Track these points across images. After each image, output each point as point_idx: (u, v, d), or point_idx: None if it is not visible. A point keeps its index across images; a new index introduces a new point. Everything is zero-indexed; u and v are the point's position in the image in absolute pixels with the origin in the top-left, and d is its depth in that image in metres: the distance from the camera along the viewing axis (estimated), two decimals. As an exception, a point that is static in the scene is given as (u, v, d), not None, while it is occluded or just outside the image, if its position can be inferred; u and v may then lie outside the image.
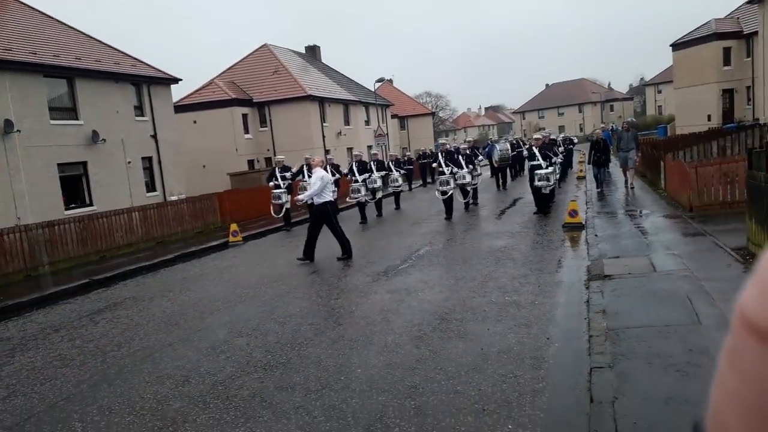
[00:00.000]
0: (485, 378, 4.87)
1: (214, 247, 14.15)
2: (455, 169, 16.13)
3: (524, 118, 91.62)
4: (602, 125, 32.21)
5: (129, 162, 24.53)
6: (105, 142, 22.91)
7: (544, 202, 14.51)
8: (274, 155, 36.06)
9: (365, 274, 9.46)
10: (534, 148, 14.83)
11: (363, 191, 17.54)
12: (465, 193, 17.01)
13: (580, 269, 8.55)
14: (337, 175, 17.13)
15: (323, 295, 8.41)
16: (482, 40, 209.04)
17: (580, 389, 4.49)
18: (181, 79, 28.27)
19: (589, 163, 18.93)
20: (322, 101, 39.02)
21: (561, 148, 20.85)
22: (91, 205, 22.01)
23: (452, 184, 15.78)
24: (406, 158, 29.86)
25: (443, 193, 15.74)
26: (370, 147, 44.24)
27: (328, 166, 16.99)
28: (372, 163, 19.03)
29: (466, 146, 18.95)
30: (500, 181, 23.17)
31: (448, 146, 18.28)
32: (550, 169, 14.35)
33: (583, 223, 12.25)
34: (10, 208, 19.12)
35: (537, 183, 14.12)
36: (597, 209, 14.24)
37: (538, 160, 14.40)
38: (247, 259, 12.46)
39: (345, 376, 5.19)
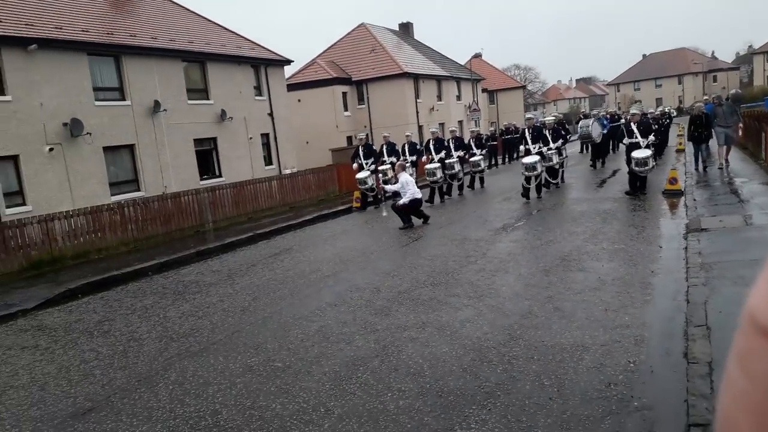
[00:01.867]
0: (605, 293, 6.49)
1: (342, 211, 16.29)
2: (542, 148, 15.24)
3: (619, 91, 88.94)
4: (705, 97, 30.03)
5: (251, 138, 27.24)
6: (232, 119, 25.64)
7: (641, 185, 13.60)
8: (371, 131, 38.20)
9: (486, 230, 11.17)
10: (632, 124, 13.85)
11: (439, 174, 16.38)
12: (554, 174, 16.08)
13: (679, 225, 9.84)
14: (415, 156, 17.15)
15: (456, 243, 10.22)
16: (574, 8, 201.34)
17: (679, 299, 6.03)
18: (293, 61, 30.72)
19: (689, 140, 17.44)
20: (416, 78, 40.50)
21: (656, 126, 19.03)
22: (220, 176, 24.85)
23: (539, 169, 14.64)
24: (489, 134, 28.65)
25: (528, 179, 14.53)
26: (461, 122, 45.46)
27: (406, 145, 17.52)
28: (450, 140, 17.88)
29: (552, 120, 17.72)
30: (594, 158, 21.51)
31: (534, 121, 16.83)
32: (648, 152, 13.25)
33: (683, 190, 13.28)
34: (158, 178, 22.18)
35: (635, 168, 13.11)
36: (696, 179, 15.08)
37: (637, 137, 13.48)
38: (373, 219, 14.46)
39: (494, 290, 6.99)
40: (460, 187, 17.72)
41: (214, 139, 25.09)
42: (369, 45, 41.98)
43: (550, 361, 4.88)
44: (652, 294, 6.35)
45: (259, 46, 29.00)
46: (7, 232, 10.89)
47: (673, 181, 13.44)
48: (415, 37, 50.55)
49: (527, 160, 14.72)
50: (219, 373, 5.30)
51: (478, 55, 38.25)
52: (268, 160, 28.57)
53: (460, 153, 17.53)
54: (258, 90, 28.13)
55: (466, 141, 19.00)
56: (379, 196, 16.19)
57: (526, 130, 15.92)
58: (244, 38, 28.93)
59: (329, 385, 4.81)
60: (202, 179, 23.70)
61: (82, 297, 9.22)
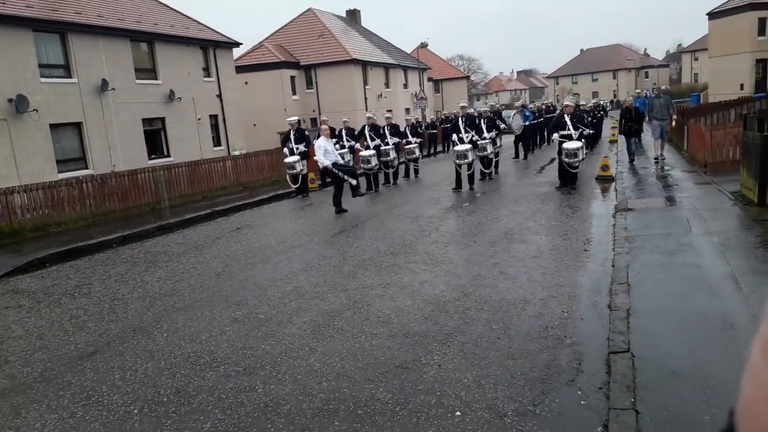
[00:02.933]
0: (543, 260, 7.44)
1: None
2: (475, 137, 15.05)
3: (558, 83, 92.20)
4: (637, 92, 30.64)
5: (199, 119, 27.21)
6: (180, 100, 25.58)
7: (571, 179, 13.30)
8: (320, 116, 38.56)
9: (437, 209, 12.04)
10: (565, 116, 13.41)
11: (374, 162, 15.92)
12: (487, 164, 15.83)
13: (609, 206, 10.98)
14: (352, 142, 17.01)
15: (410, 219, 11.03)
16: (516, 2, 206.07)
17: (606, 265, 7.03)
18: (242, 43, 30.76)
19: (620, 133, 17.71)
20: (365, 65, 41.05)
21: (589, 118, 18.50)
22: (168, 156, 24.82)
23: (470, 157, 14.39)
24: (429, 122, 28.12)
25: (460, 167, 14.39)
26: (408, 109, 46.41)
27: (343, 130, 17.26)
28: (385, 128, 17.28)
29: (488, 110, 17.71)
30: (518, 150, 21.56)
31: (469, 110, 16.25)
32: (579, 143, 12.99)
33: (614, 176, 14.54)
34: (105, 156, 22.02)
35: (565, 159, 12.97)
36: (626, 167, 16.39)
37: (569, 129, 13.16)
38: (328, 199, 15.10)
39: (448, 258, 7.83)
40: (395, 175, 17.32)
41: (163, 119, 25.00)
42: (317, 30, 42.16)
43: (498, 311, 5.74)
44: (583, 260, 7.33)
45: (208, 28, 28.91)
46: (-35, 204, 10.95)
47: (605, 167, 14.69)
48: (362, 25, 51.05)
49: (459, 148, 14.45)
50: (208, 323, 5.91)
51: (424, 45, 39.17)
52: (216, 141, 28.59)
53: (396, 140, 17.13)
54: (207, 71, 28.07)
55: (402, 128, 18.28)
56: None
57: (459, 119, 15.42)
58: (193, 20, 28.76)
59: (310, 331, 5.51)
60: (150, 158, 23.63)
61: (50, 266, 9.50)
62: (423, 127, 22.86)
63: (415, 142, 18.06)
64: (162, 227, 12.08)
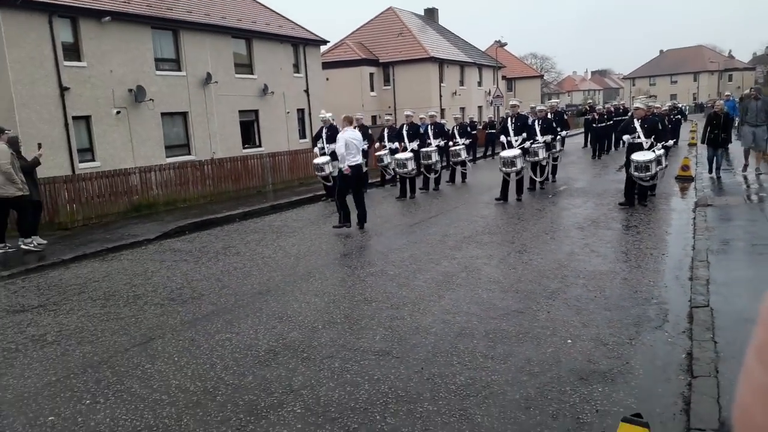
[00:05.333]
0: (629, 243, 8.41)
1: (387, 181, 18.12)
2: (527, 142, 13.26)
3: (634, 85, 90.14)
4: (727, 94, 26.27)
5: (288, 112, 29.05)
6: (273, 94, 27.46)
7: (640, 195, 11.44)
8: (395, 112, 39.99)
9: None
10: (635, 120, 11.44)
11: (411, 165, 14.06)
12: (540, 171, 14.00)
13: (689, 203, 11.70)
14: (366, 142, 13.09)
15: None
16: (594, 0, 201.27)
17: (687, 248, 7.93)
18: (329, 41, 32.45)
19: (702, 142, 15.07)
20: (441, 63, 42.05)
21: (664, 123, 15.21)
22: (260, 146, 26.71)
23: (519, 165, 12.59)
24: (468, 122, 23.72)
25: (507, 174, 12.61)
26: (480, 107, 47.16)
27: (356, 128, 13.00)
28: (429, 127, 15.62)
29: (544, 109, 15.47)
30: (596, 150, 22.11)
31: (520, 110, 14.15)
32: (653, 155, 10.95)
33: (693, 176, 15.03)
34: (206, 144, 24.11)
35: (634, 173, 10.96)
36: (705, 179, 14.64)
37: (639, 137, 11.23)
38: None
39: (540, 239, 8.92)
40: (437, 181, 15.60)
41: (256, 112, 26.97)
42: (396, 28, 43.48)
43: (592, 279, 6.79)
44: (665, 245, 8.26)
45: (299, 26, 30.72)
46: (115, 179, 12.85)
47: (685, 168, 15.24)
48: (440, 23, 52.07)
49: (505, 153, 12.73)
50: (349, 275, 7.30)
51: (502, 45, 39.64)
52: (302, 134, 30.40)
53: (440, 142, 15.67)
54: (296, 67, 29.85)
55: (447, 129, 17.27)
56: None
57: (509, 120, 13.62)
58: (285, 18, 30.63)
59: (434, 284, 6.75)
60: (244, 147, 25.61)
61: (189, 233, 11.18)
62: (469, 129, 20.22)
63: (463, 144, 16.85)
64: (275, 206, 13.66)
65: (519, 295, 6.25)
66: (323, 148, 14.29)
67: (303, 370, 4.55)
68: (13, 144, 9.70)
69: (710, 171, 14.46)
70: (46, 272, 8.52)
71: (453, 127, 17.58)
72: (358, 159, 10.29)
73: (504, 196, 12.72)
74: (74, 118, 19.02)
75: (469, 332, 5.23)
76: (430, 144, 15.29)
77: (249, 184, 16.29)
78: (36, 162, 10.04)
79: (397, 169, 14.38)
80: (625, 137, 11.43)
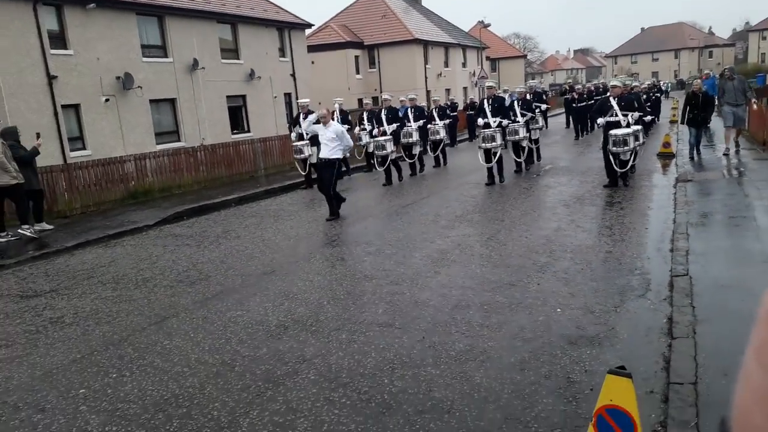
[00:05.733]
0: (612, 218, 8.80)
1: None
2: (504, 121, 12.82)
3: (616, 63, 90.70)
4: (707, 72, 26.65)
5: (275, 96, 29.09)
6: (260, 79, 27.49)
7: (622, 173, 11.25)
8: (381, 94, 40.06)
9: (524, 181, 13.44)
10: (611, 99, 11.35)
11: (390, 147, 14.06)
12: (520, 152, 13.76)
13: (670, 179, 12.12)
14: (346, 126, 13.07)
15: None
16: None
17: (668, 222, 8.34)
18: (313, 24, 32.41)
19: (682, 122, 14.87)
20: (426, 44, 42.12)
21: (644, 98, 16.26)
22: (248, 131, 26.79)
23: (499, 140, 12.47)
24: (448, 103, 23.57)
25: (487, 155, 12.49)
26: (465, 88, 47.38)
27: (336, 113, 14.72)
28: (409, 110, 15.59)
29: (523, 90, 15.71)
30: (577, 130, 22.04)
31: (496, 91, 13.79)
32: (630, 129, 10.89)
33: (674, 153, 15.48)
34: (195, 130, 24.18)
35: (612, 148, 10.84)
36: (685, 159, 14.97)
37: (615, 114, 11.08)
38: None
39: (528, 215, 9.29)
40: (421, 163, 15.69)
41: (244, 97, 27.01)
42: (380, 10, 43.39)
43: (579, 253, 7.17)
44: (647, 219, 8.66)
45: (284, 10, 30.64)
46: (110, 167, 13.02)
47: (667, 144, 15.67)
48: (423, 4, 51.98)
49: (485, 132, 12.57)
50: (349, 254, 7.62)
51: (486, 26, 39.87)
52: (289, 118, 30.50)
53: (420, 124, 15.54)
54: (282, 52, 29.84)
55: (426, 112, 17.10)
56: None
57: (485, 101, 13.16)
58: (270, 2, 30.53)
59: (430, 261, 7.10)
60: (233, 133, 25.70)
61: (187, 219, 11.43)
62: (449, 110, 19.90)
63: (443, 125, 16.88)
64: (268, 191, 13.91)
65: (510, 270, 6.61)
66: (301, 133, 13.98)
67: (313, 342, 4.89)
68: (13, 134, 9.87)
69: (691, 154, 14.23)
70: (52, 259, 8.76)
71: (432, 109, 17.46)
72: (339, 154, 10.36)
73: (491, 178, 12.66)
74: (63, 106, 19.02)
75: (465, 304, 5.58)
76: (410, 127, 15.22)
77: (241, 170, 16.49)
78: (35, 151, 10.22)
79: (376, 152, 14.42)
80: (600, 120, 11.28)
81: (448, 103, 21.79)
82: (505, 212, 9.78)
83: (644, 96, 15.91)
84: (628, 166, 11.27)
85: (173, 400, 4.02)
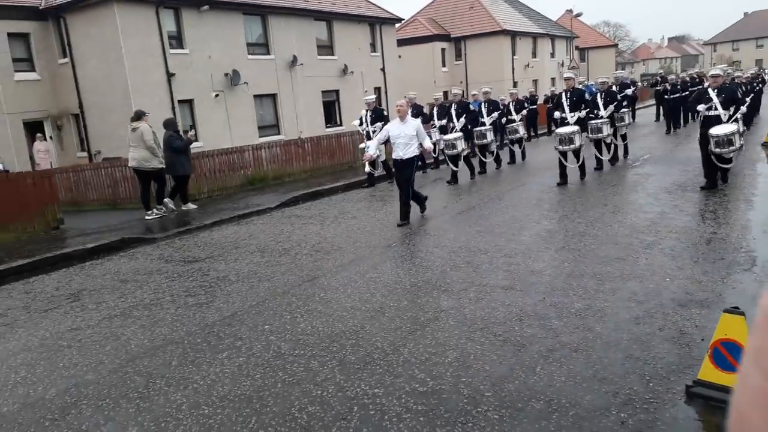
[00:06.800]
0: (717, 206, 9.05)
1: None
2: (582, 113, 11.94)
3: (715, 51, 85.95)
4: None
5: (366, 91, 30.11)
6: (352, 74, 28.64)
7: (722, 175, 10.42)
8: (467, 87, 40.38)
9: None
10: (710, 90, 10.02)
11: (461, 146, 13.23)
12: (603, 148, 13.31)
13: (775, 168, 12.05)
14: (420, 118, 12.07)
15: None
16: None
17: None
18: (403, 19, 33.25)
19: None
20: (513, 35, 41.98)
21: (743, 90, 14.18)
22: (341, 125, 28.00)
23: (578, 142, 11.58)
24: (528, 96, 21.32)
25: (563, 154, 11.70)
26: (553, 79, 46.76)
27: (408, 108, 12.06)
28: (483, 104, 14.90)
29: (606, 81, 14.40)
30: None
31: (575, 83, 12.71)
32: (734, 127, 9.60)
33: (780, 141, 15.14)
34: (293, 124, 25.64)
35: (714, 149, 9.66)
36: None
37: (716, 109, 9.80)
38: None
39: (639, 191, 9.69)
40: (498, 161, 15.23)
41: (337, 92, 28.29)
42: (468, 2, 43.60)
43: (684, 233, 7.56)
44: (753, 205, 8.86)
45: (375, 5, 31.68)
46: (232, 155, 14.44)
47: (772, 134, 15.27)
48: (510, -6, 51.65)
49: (562, 130, 11.72)
50: (460, 232, 8.39)
51: (577, 15, 39.18)
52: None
53: (494, 119, 14.97)
54: (373, 47, 30.90)
55: (502, 106, 16.09)
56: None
57: (563, 95, 12.26)
58: (360, -3, 31.66)
59: (539, 238, 7.74)
60: (327, 126, 27.03)
61: (302, 203, 12.55)
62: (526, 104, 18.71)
63: (519, 120, 16.13)
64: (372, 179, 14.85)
65: (618, 247, 7.14)
66: (368, 131, 13.90)
67: (445, 298, 5.69)
68: (172, 125, 11.60)
69: None
70: (195, 234, 10.06)
71: (509, 103, 16.59)
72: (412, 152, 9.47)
73: (564, 180, 11.76)
74: (179, 101, 20.90)
75: (579, 274, 6.20)
76: (483, 123, 14.59)
77: (342, 160, 17.59)
78: (189, 141, 11.84)
79: (446, 151, 13.51)
80: (700, 107, 10.05)
81: (527, 96, 20.84)
82: (606, 197, 10.21)
83: (743, 88, 14.19)
84: (731, 164, 10.32)
85: (342, 334, 4.94)
